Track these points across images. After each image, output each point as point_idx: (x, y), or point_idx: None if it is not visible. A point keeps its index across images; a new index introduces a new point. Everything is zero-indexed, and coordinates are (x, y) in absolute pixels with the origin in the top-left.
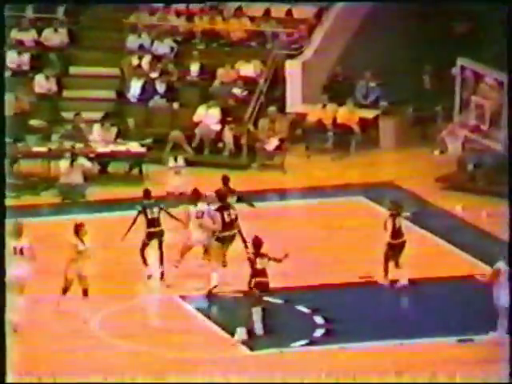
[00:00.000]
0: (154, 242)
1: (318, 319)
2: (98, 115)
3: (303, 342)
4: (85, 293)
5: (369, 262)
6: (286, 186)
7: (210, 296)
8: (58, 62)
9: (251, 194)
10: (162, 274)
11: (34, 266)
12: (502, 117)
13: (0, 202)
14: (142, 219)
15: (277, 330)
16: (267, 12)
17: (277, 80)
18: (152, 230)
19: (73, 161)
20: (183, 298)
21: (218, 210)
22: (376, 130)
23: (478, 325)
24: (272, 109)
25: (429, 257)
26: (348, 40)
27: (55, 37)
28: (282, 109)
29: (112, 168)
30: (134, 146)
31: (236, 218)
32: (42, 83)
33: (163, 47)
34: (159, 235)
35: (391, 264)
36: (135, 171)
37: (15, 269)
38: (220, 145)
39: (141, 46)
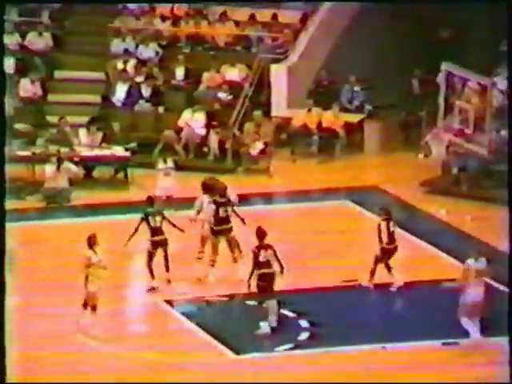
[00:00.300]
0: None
1: (303, 323)
2: (84, 119)
3: (288, 345)
4: (93, 308)
5: (354, 265)
6: (272, 190)
7: (197, 300)
8: (43, 65)
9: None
10: (169, 281)
11: None
12: (486, 121)
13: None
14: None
15: (262, 333)
16: (252, 16)
17: (262, 84)
18: (156, 238)
19: (59, 165)
20: (168, 302)
21: (213, 202)
22: (361, 134)
23: (463, 328)
24: (257, 113)
25: (413, 260)
26: (333, 44)
27: (40, 41)
28: (267, 113)
29: (97, 172)
30: (119, 150)
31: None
32: (27, 87)
33: (148, 51)
34: (164, 244)
35: (381, 268)
36: (120, 175)
37: None
38: (205, 149)
39: (126, 50)
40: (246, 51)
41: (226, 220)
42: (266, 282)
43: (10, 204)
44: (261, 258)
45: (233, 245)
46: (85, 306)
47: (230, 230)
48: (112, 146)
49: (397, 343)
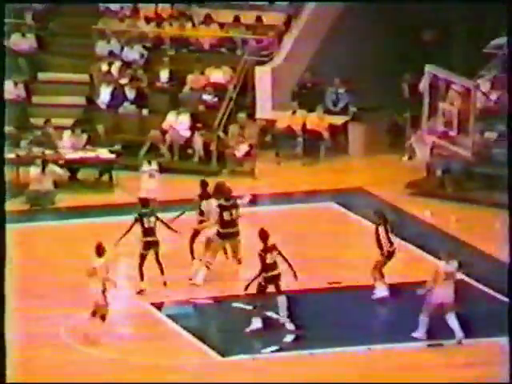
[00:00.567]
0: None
1: (289, 325)
2: (68, 121)
3: (274, 348)
4: (103, 318)
5: (339, 267)
6: (257, 192)
7: (185, 302)
8: (27, 67)
9: None
10: (165, 283)
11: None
12: (470, 123)
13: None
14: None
15: (247, 335)
16: (237, 18)
17: (246, 86)
18: (149, 239)
19: (44, 167)
20: (154, 305)
21: (218, 206)
22: (345, 136)
23: (448, 329)
24: (242, 115)
25: (398, 262)
26: (317, 46)
27: (23, 42)
28: (251, 115)
29: (82, 175)
30: (104, 153)
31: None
32: (11, 89)
33: (133, 53)
34: (155, 245)
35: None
36: (105, 178)
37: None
38: (190, 151)
39: (111, 52)
40: (230, 53)
41: (232, 223)
42: (273, 284)
43: None
44: (268, 261)
45: (238, 248)
46: (93, 314)
47: (237, 233)
48: (96, 148)
49: (382, 345)
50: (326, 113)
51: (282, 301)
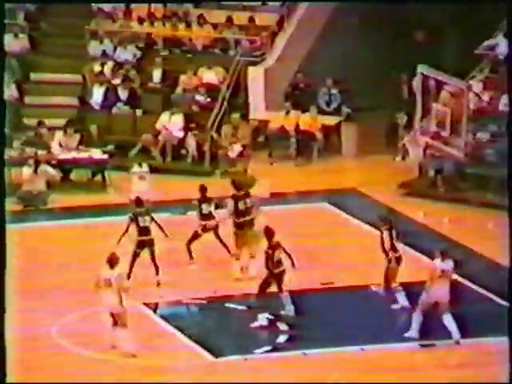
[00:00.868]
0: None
1: (282, 325)
2: (60, 122)
3: (267, 348)
4: (124, 325)
5: (332, 267)
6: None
7: (180, 303)
8: (19, 68)
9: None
10: (158, 283)
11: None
12: (462, 124)
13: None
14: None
15: (240, 336)
16: (229, 19)
17: (239, 87)
18: (143, 238)
19: (36, 168)
20: (147, 305)
21: (232, 197)
22: (338, 137)
23: (440, 329)
24: (235, 116)
25: None
26: (310, 47)
27: (16, 42)
28: (244, 116)
29: (74, 175)
30: (97, 153)
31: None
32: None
33: (126, 54)
34: (150, 244)
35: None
36: (98, 178)
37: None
38: (183, 151)
39: (103, 53)
40: (223, 54)
41: (248, 212)
42: (277, 281)
43: None
44: (275, 258)
45: (253, 241)
46: (115, 324)
47: (252, 221)
48: (89, 148)
49: (375, 345)
50: (320, 113)
51: (286, 296)
